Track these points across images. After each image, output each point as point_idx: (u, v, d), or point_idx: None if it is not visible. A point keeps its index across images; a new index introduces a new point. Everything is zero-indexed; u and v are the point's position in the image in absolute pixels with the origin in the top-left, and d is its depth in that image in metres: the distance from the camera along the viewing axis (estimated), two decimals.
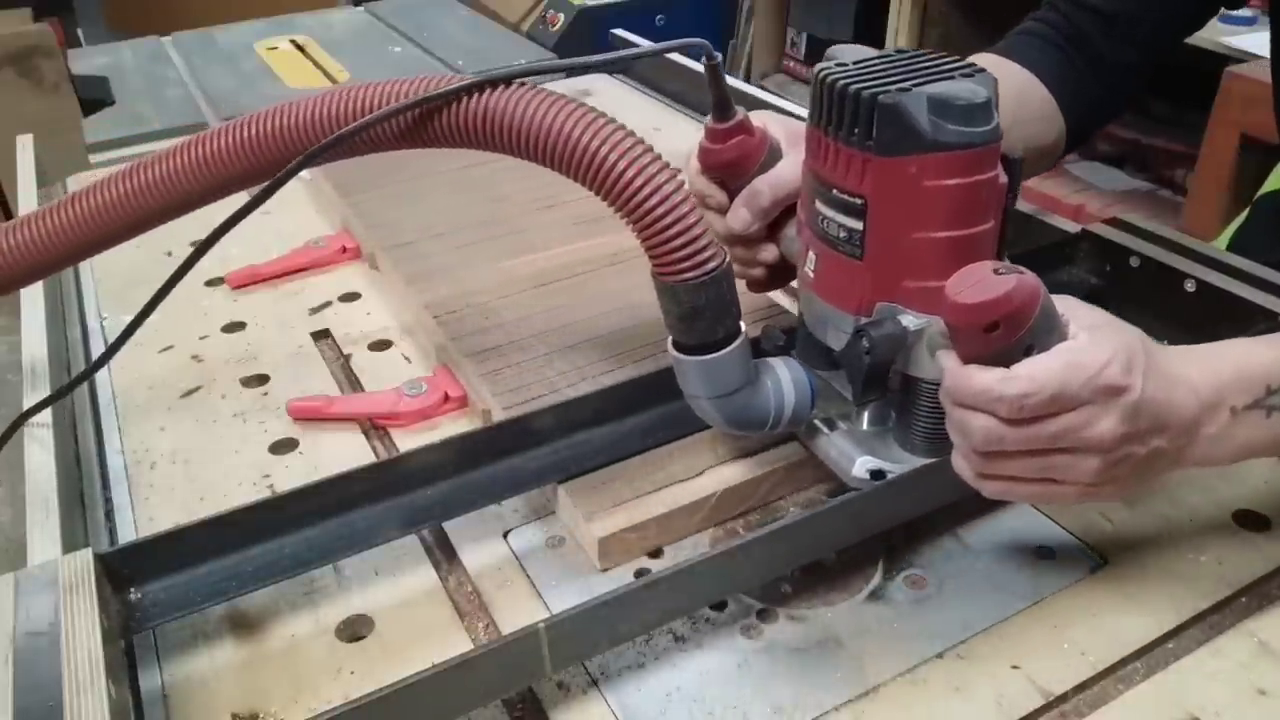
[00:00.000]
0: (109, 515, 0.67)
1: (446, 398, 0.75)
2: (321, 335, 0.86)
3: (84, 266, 0.99)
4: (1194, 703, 0.51)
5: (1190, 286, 0.77)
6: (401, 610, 0.59)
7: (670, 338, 0.58)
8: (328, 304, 0.90)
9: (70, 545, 0.57)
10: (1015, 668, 0.54)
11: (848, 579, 0.60)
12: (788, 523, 0.55)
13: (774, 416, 0.59)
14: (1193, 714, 0.51)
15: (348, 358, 0.83)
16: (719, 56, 0.58)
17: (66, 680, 0.47)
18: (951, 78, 0.52)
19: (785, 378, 0.60)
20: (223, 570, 0.58)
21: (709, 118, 0.63)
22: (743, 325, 0.57)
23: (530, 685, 0.53)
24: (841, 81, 0.52)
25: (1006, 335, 0.47)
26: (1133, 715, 0.51)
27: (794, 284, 0.64)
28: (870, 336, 0.54)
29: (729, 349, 0.56)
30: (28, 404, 0.70)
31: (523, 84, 0.54)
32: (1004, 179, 0.53)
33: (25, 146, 1.14)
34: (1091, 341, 0.48)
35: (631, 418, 0.68)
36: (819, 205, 0.56)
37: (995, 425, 0.48)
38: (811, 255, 0.58)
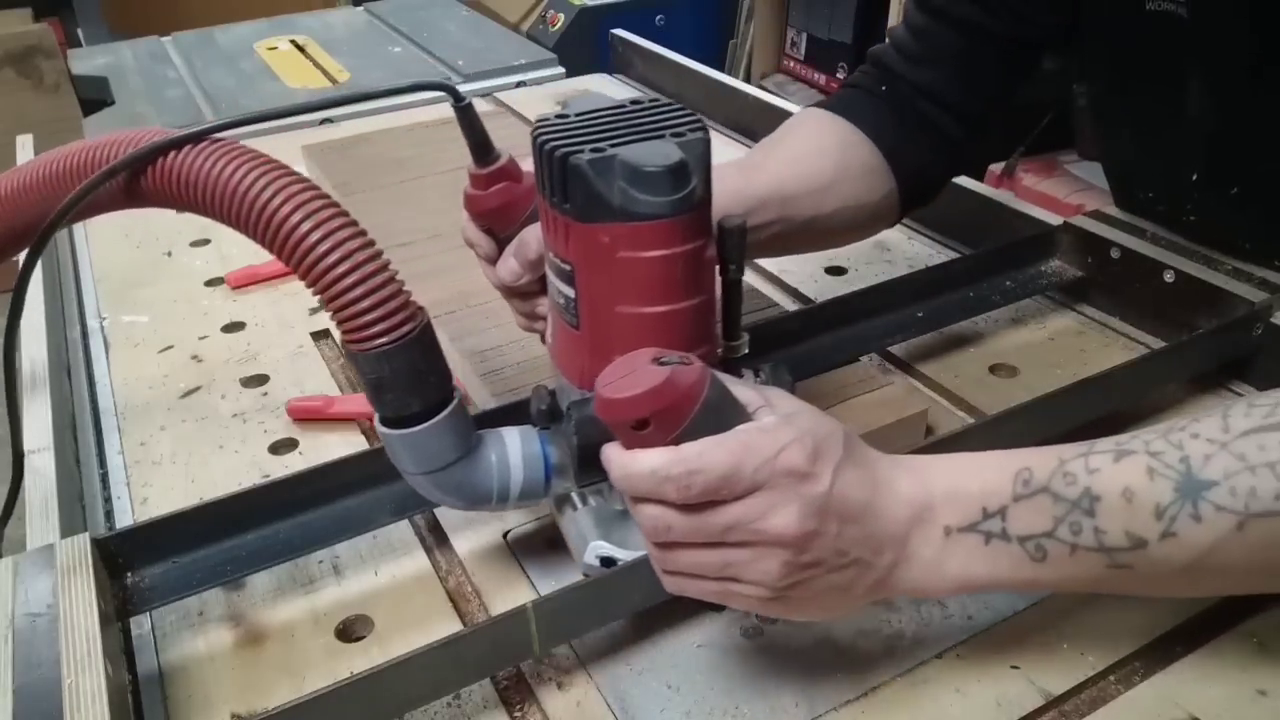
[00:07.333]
0: (109, 515, 0.67)
1: None
2: (321, 335, 0.86)
3: (84, 267, 0.99)
4: (1194, 703, 0.51)
5: (1169, 277, 0.78)
6: (401, 611, 0.59)
7: None
8: None
9: (69, 533, 0.57)
10: (1015, 668, 0.54)
11: None
12: None
13: (498, 492, 0.54)
14: (1192, 714, 0.51)
15: None
16: (467, 99, 0.54)
17: (65, 659, 0.47)
18: (660, 136, 0.47)
19: (515, 451, 0.54)
20: (219, 554, 0.58)
21: (471, 163, 0.58)
22: (456, 393, 0.52)
23: (519, 665, 0.54)
24: (543, 138, 0.48)
25: (660, 434, 0.43)
26: (1132, 715, 0.51)
27: None
28: (574, 417, 0.49)
29: (431, 422, 0.50)
30: (28, 404, 0.70)
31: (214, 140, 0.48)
32: (712, 251, 0.49)
33: (25, 146, 1.14)
34: (777, 424, 0.44)
35: None
36: (548, 269, 0.52)
37: (663, 512, 0.44)
38: (550, 320, 0.54)
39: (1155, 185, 0.83)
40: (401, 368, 0.49)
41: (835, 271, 0.94)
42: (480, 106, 1.53)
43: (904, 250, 0.98)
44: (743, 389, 0.47)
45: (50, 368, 0.76)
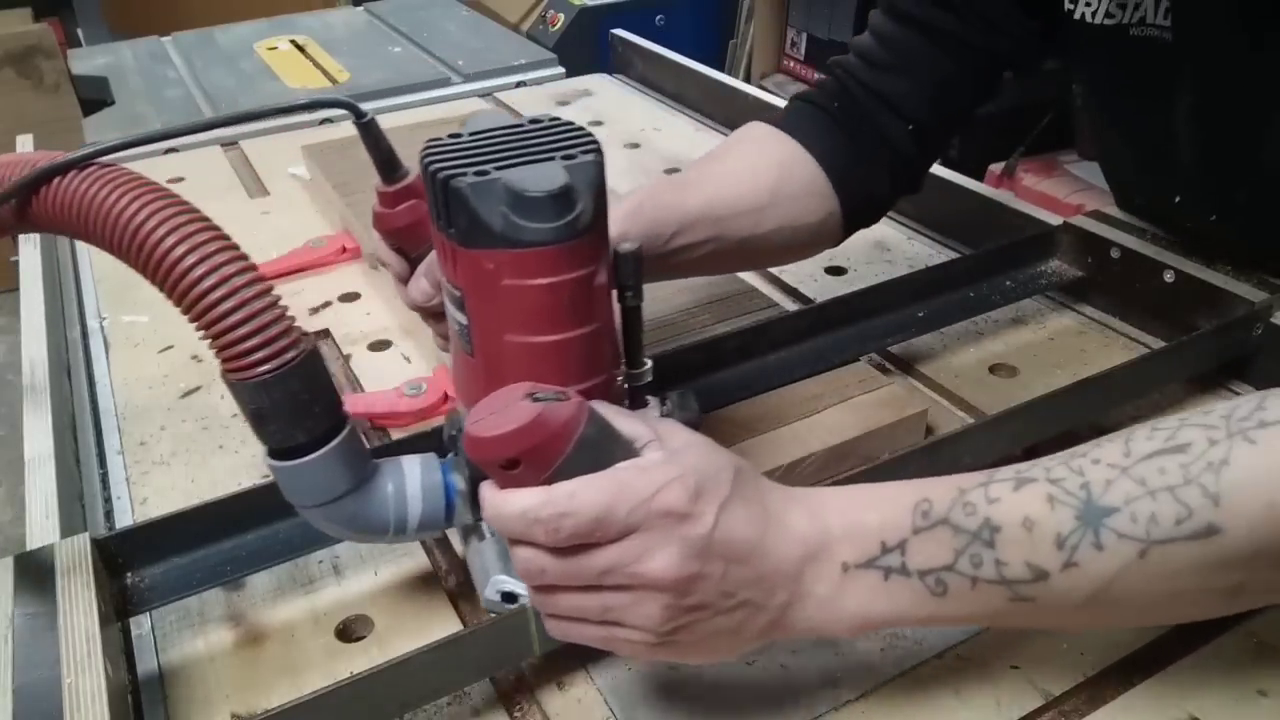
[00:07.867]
0: (108, 515, 0.67)
1: (446, 397, 0.75)
2: (321, 335, 0.86)
3: (84, 267, 0.99)
4: (1194, 703, 0.51)
5: (1169, 277, 0.78)
6: (401, 611, 0.59)
7: None
8: (328, 304, 0.90)
9: (69, 533, 0.57)
10: (1015, 668, 0.54)
11: None
12: None
13: (395, 524, 0.51)
14: (1192, 714, 0.51)
15: (348, 358, 0.83)
16: (369, 115, 0.52)
17: (65, 659, 0.47)
18: (551, 158, 0.45)
19: (414, 481, 0.51)
20: (219, 554, 0.58)
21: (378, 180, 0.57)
22: (349, 422, 0.49)
23: (519, 665, 0.54)
24: (428, 159, 0.46)
25: (531, 473, 0.41)
26: (1132, 715, 0.51)
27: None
28: (461, 449, 0.48)
29: (318, 454, 0.48)
30: (28, 405, 0.70)
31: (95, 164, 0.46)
32: (605, 277, 0.48)
33: (25, 146, 1.14)
34: (659, 462, 0.42)
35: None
36: (444, 294, 0.51)
37: (536, 555, 0.42)
38: (451, 345, 0.53)
39: (1146, 198, 0.83)
40: (282, 398, 0.46)
41: (835, 271, 0.94)
42: (480, 107, 1.52)
43: (904, 250, 0.98)
44: (631, 423, 0.45)
45: (50, 368, 0.76)
